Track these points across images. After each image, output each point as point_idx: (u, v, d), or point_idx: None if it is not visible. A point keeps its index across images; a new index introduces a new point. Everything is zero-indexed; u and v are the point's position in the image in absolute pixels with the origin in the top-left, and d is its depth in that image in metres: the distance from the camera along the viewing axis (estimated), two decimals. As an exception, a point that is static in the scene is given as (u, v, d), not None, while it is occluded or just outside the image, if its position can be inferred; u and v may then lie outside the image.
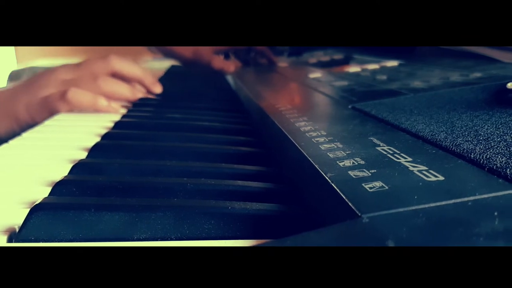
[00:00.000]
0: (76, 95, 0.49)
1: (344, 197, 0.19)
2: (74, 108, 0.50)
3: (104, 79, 0.53)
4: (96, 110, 0.51)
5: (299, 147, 0.28)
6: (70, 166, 0.30)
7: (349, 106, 0.38)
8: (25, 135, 0.42)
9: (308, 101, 0.48)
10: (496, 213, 0.16)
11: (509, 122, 0.27)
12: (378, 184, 0.20)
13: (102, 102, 0.50)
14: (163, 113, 0.50)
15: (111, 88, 0.53)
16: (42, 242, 0.21)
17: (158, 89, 0.61)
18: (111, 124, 0.45)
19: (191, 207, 0.23)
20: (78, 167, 0.30)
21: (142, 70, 0.58)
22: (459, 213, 0.17)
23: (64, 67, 0.54)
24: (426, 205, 0.17)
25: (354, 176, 0.21)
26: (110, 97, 0.53)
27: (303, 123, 0.34)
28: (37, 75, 0.54)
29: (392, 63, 0.64)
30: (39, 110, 0.50)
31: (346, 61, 0.79)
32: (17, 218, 0.23)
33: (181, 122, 0.45)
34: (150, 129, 0.43)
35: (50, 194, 0.26)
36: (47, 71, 0.54)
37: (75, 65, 0.54)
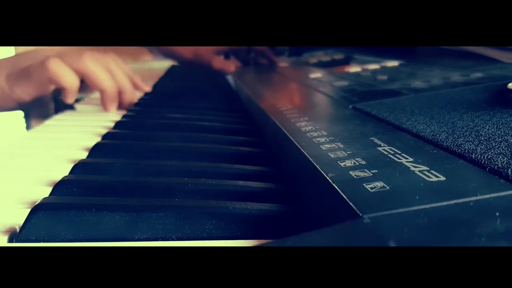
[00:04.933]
0: (56, 65, 0.47)
1: (345, 197, 0.19)
2: (50, 78, 0.48)
3: (91, 58, 0.51)
4: (67, 88, 0.49)
5: (299, 147, 0.27)
6: (70, 166, 0.30)
7: (350, 106, 0.38)
8: (25, 134, 0.42)
9: (309, 101, 0.48)
10: (497, 214, 0.16)
11: (510, 122, 0.27)
12: (379, 184, 0.20)
13: (74, 80, 0.49)
14: (164, 113, 0.50)
15: (94, 70, 0.50)
16: (43, 242, 0.21)
17: (147, 88, 0.59)
18: (112, 124, 0.45)
19: (192, 207, 0.23)
20: (78, 167, 0.30)
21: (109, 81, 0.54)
22: (460, 214, 0.17)
23: (50, 48, 0.52)
24: (428, 206, 0.17)
25: (355, 176, 0.21)
26: (88, 79, 0.50)
27: (303, 123, 0.34)
28: (22, 53, 0.52)
29: (393, 63, 0.64)
30: (18, 79, 0.48)
31: (347, 61, 0.79)
32: (18, 218, 0.23)
33: (182, 122, 0.45)
34: (150, 129, 0.43)
35: (51, 194, 0.26)
36: (33, 50, 0.52)
37: (64, 48, 0.52)
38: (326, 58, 0.89)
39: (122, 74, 0.55)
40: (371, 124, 0.31)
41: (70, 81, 0.48)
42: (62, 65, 0.48)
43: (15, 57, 0.52)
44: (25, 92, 0.48)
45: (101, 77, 0.51)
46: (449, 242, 0.15)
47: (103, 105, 0.54)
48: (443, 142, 0.24)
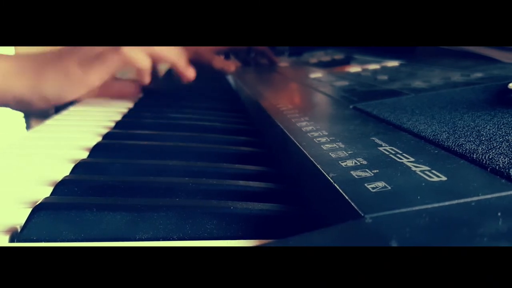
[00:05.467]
0: (131, 50, 0.50)
1: (346, 197, 0.19)
2: (127, 62, 0.51)
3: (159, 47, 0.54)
4: (141, 69, 0.52)
5: (300, 147, 0.27)
6: (71, 165, 0.30)
7: (351, 106, 0.38)
8: (26, 134, 0.42)
9: (309, 101, 0.48)
10: (499, 214, 0.16)
11: (511, 122, 0.27)
12: (380, 184, 0.20)
13: (148, 61, 0.52)
14: (164, 113, 0.50)
15: (161, 49, 0.54)
16: (44, 242, 0.21)
17: (191, 73, 0.61)
18: (113, 124, 0.45)
19: (193, 207, 0.23)
20: (79, 167, 0.30)
21: (177, 55, 0.59)
22: (461, 214, 0.17)
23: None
24: (429, 205, 0.17)
25: (356, 176, 0.21)
26: (158, 58, 0.55)
27: (304, 123, 0.34)
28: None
29: (393, 63, 0.64)
30: (92, 65, 0.50)
31: (347, 61, 0.79)
32: (19, 218, 0.23)
33: (182, 122, 0.45)
34: (151, 129, 0.43)
35: (52, 193, 0.26)
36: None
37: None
38: (326, 58, 0.89)
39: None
40: (372, 124, 0.31)
41: (145, 62, 0.52)
42: (136, 49, 0.51)
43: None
44: (99, 77, 0.51)
45: (169, 52, 0.56)
46: (451, 242, 0.15)
47: (182, 74, 0.59)
48: (444, 142, 0.24)
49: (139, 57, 0.52)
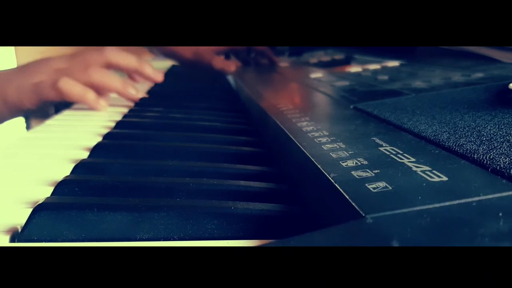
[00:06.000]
0: (67, 84, 0.50)
1: (347, 198, 0.19)
2: (62, 98, 0.51)
3: (95, 69, 0.53)
4: (83, 103, 0.52)
5: (301, 147, 0.27)
6: (72, 166, 0.30)
7: (351, 106, 0.38)
8: (26, 134, 0.42)
9: (310, 101, 0.48)
10: (500, 214, 0.16)
11: (512, 122, 0.27)
12: (381, 184, 0.20)
13: (91, 95, 0.51)
14: (165, 113, 0.50)
15: (102, 79, 0.52)
16: (45, 242, 0.21)
17: (159, 77, 0.60)
18: (113, 124, 0.45)
19: (194, 207, 0.23)
20: (80, 167, 0.30)
21: (139, 61, 0.57)
22: (462, 214, 0.17)
23: (59, 57, 0.54)
24: (430, 206, 0.17)
25: (357, 177, 0.21)
26: (100, 88, 0.53)
27: (305, 123, 0.33)
28: (32, 62, 0.54)
29: (393, 63, 0.64)
30: (29, 94, 0.51)
31: (347, 61, 0.79)
32: (20, 218, 0.23)
33: (183, 122, 0.45)
34: (151, 129, 0.43)
35: (53, 194, 0.26)
36: (42, 59, 0.54)
37: (70, 55, 0.54)
38: (326, 58, 0.89)
39: (128, 60, 0.57)
40: (373, 124, 0.31)
41: (82, 96, 0.51)
42: (72, 83, 0.50)
43: (23, 68, 0.54)
44: (35, 105, 0.52)
45: (109, 82, 0.53)
46: (452, 242, 0.15)
47: (127, 99, 0.56)
48: (445, 142, 0.24)
49: (78, 93, 0.50)
